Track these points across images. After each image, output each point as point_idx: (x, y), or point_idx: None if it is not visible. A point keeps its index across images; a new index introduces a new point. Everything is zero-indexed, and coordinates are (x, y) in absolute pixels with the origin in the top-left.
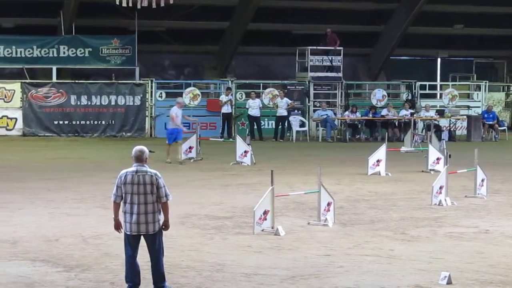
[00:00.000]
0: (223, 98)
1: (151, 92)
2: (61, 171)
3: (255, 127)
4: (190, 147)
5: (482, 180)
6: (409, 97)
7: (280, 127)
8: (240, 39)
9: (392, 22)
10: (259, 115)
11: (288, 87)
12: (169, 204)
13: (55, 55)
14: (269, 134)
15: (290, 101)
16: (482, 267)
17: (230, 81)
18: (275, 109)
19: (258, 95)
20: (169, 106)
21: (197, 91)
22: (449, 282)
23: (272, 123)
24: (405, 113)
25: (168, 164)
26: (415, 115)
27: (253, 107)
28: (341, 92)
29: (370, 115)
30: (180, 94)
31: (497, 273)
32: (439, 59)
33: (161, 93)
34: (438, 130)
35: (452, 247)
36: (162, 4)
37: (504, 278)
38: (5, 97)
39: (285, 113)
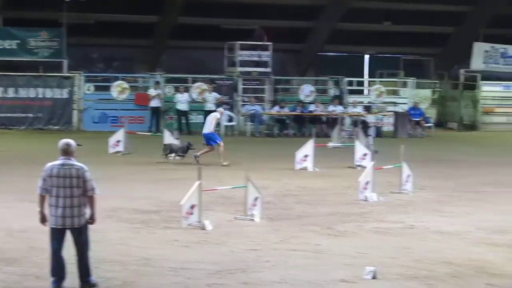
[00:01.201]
0: (152, 92)
1: (79, 85)
2: None
3: (184, 121)
4: (118, 141)
5: (408, 176)
6: (337, 93)
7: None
8: (170, 33)
9: (322, 18)
10: (187, 109)
11: (217, 81)
12: (96, 198)
13: None
14: (198, 129)
15: (218, 96)
16: (407, 262)
17: (159, 75)
18: (204, 103)
19: (187, 90)
20: (97, 99)
21: (126, 85)
22: (374, 277)
23: (201, 117)
24: (333, 108)
25: (97, 158)
26: (341, 111)
27: (182, 101)
28: (270, 87)
29: (298, 111)
30: (109, 88)
31: (421, 268)
32: (367, 56)
33: (89, 86)
34: (365, 126)
35: (378, 242)
36: None
37: (428, 273)
38: None
39: (213, 107)
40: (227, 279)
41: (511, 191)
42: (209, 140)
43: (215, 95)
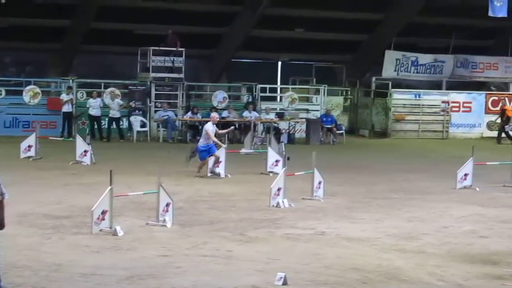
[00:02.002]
0: (64, 97)
1: None
2: None
3: (96, 126)
4: (29, 146)
5: (319, 183)
6: (250, 99)
7: (114, 127)
8: (83, 37)
9: (235, 25)
10: (100, 115)
11: (130, 87)
12: (5, 203)
13: None
14: (111, 134)
15: (121, 102)
16: (318, 268)
17: (71, 80)
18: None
19: (100, 95)
20: (9, 103)
21: (38, 90)
22: (284, 283)
23: (113, 123)
24: (247, 115)
25: (8, 163)
26: (255, 117)
27: (94, 106)
28: (183, 93)
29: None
30: (21, 92)
31: (331, 274)
32: (279, 63)
33: (0, 90)
34: (278, 132)
35: (289, 248)
36: (3, 1)
37: (338, 279)
38: None
39: (117, 114)
40: (137, 285)
41: (420, 198)
42: (202, 152)
43: (117, 101)
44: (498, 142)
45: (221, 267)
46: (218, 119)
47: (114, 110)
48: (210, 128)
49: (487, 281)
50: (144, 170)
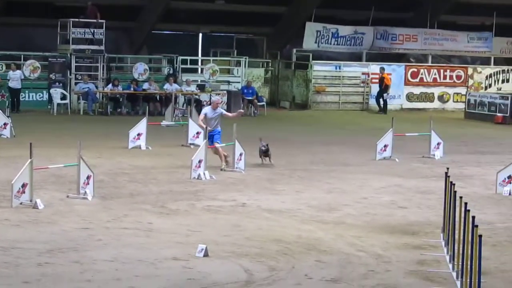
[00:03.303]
0: None
1: None
2: None
3: (16, 99)
4: None
5: (240, 155)
6: (171, 71)
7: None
8: (1, 9)
9: None
10: (20, 87)
11: (50, 59)
12: None
13: None
14: (29, 107)
15: (21, 74)
16: (239, 240)
17: None
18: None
19: (19, 67)
20: None
21: None
22: (205, 255)
23: (32, 95)
24: (168, 87)
25: None
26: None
27: (14, 78)
28: (103, 65)
29: (132, 89)
30: None
31: (252, 246)
32: (200, 34)
33: None
34: (199, 104)
35: (210, 221)
36: None
37: (259, 251)
38: None
39: (18, 85)
40: (58, 258)
41: (340, 169)
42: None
43: (19, 73)
44: (383, 111)
45: (142, 239)
46: (220, 104)
47: (14, 81)
48: (203, 111)
49: (406, 251)
50: (64, 143)
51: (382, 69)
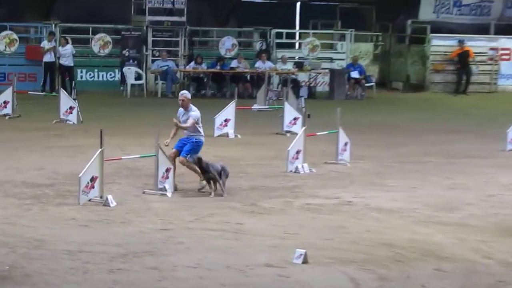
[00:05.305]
0: (45, 44)
1: None
2: None
3: (67, 78)
4: (5, 102)
5: (345, 144)
6: (263, 47)
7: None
8: None
9: None
10: (72, 65)
11: (123, 32)
12: None
13: None
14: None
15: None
16: (343, 244)
17: (53, 25)
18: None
19: (68, 41)
20: None
21: (14, 36)
22: (305, 261)
23: (102, 75)
24: (259, 65)
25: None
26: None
27: (65, 55)
28: (184, 40)
29: (218, 67)
30: None
31: (359, 251)
32: (298, 3)
33: None
34: (296, 85)
35: (309, 221)
36: None
37: (367, 257)
38: None
39: (70, 63)
40: (133, 263)
41: (462, 162)
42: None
43: (70, 47)
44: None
45: (230, 243)
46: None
47: (65, 57)
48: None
49: None
50: (139, 130)
51: (461, 42)
